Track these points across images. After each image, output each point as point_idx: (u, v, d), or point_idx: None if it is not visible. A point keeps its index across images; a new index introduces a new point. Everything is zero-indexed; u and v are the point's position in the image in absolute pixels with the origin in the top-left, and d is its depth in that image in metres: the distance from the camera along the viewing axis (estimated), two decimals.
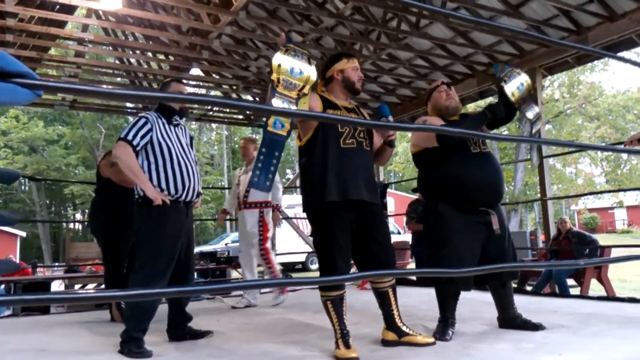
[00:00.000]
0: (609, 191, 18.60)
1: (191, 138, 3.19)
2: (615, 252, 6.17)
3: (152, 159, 2.89)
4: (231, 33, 6.07)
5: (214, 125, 31.13)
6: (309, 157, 2.65)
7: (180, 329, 3.07)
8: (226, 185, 30.27)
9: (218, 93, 8.47)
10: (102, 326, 3.64)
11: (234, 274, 8.80)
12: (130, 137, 2.82)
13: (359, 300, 4.69)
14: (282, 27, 6.48)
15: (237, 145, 34.45)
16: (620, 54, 5.36)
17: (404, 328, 2.68)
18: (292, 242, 12.94)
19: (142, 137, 2.85)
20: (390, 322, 2.71)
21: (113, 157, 2.96)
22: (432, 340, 2.65)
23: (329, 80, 2.78)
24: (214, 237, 25.25)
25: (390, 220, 10.29)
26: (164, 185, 2.87)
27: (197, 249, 16.41)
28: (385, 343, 2.69)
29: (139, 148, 2.84)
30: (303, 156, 2.72)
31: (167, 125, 2.97)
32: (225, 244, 18.53)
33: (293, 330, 3.33)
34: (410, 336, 2.65)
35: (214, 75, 8.28)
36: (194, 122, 25.15)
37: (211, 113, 8.94)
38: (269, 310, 4.36)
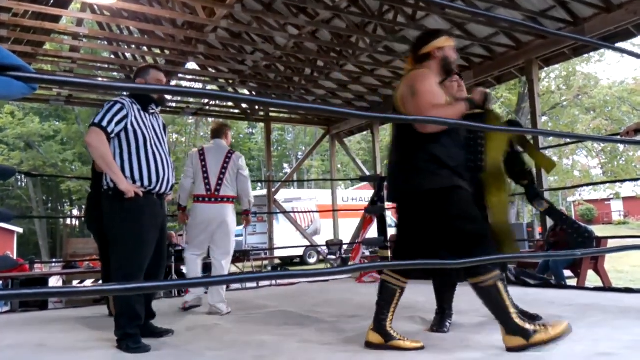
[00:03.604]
0: (606, 182, 18.64)
1: (164, 126, 3.03)
2: (611, 243, 6.19)
3: (125, 146, 2.73)
4: (227, 26, 6.05)
5: (210, 120, 31.02)
6: (433, 144, 2.43)
7: (142, 325, 2.89)
8: None
9: (214, 87, 8.43)
10: (100, 321, 3.64)
11: (232, 268, 8.80)
12: (104, 123, 2.65)
13: (358, 293, 4.70)
14: (277, 20, 6.46)
15: (233, 140, 34.41)
16: (616, 45, 5.36)
17: (392, 332, 2.53)
18: (290, 236, 12.99)
19: (117, 124, 2.69)
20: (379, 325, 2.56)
21: (85, 143, 2.77)
22: (420, 344, 2.47)
23: (424, 57, 2.56)
24: None
25: (388, 214, 10.31)
26: (137, 176, 2.73)
27: None
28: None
29: (112, 135, 2.69)
30: (424, 142, 2.44)
31: (142, 112, 2.82)
32: None
33: (292, 322, 3.34)
34: (397, 341, 2.50)
35: (210, 69, 8.25)
36: (190, 117, 25.07)
37: (208, 108, 8.91)
38: (267, 303, 4.37)
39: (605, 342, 2.32)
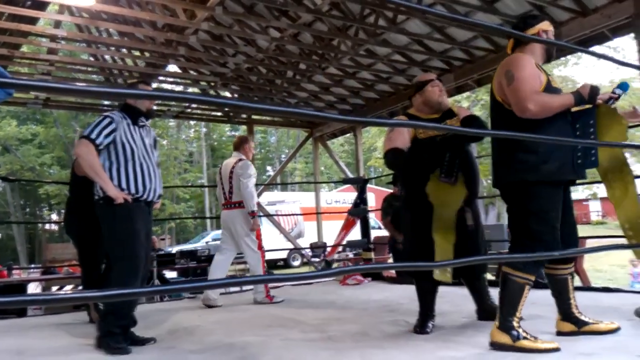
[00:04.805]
0: (583, 183, 18.96)
1: (155, 140, 3.21)
2: (590, 243, 6.30)
3: (114, 158, 2.90)
4: (208, 29, 6.01)
5: (192, 123, 30.80)
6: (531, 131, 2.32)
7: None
8: (205, 183, 30.07)
9: (196, 90, 8.37)
10: (80, 328, 3.58)
11: None
12: (93, 135, 2.83)
13: (341, 296, 4.71)
14: (259, 23, 6.44)
15: (216, 143, 34.18)
16: (592, 49, 5.46)
17: (582, 317, 2.52)
18: (273, 239, 12.95)
19: (106, 137, 2.87)
20: (567, 313, 2.53)
21: (75, 154, 2.99)
22: (616, 325, 2.47)
23: (525, 41, 2.52)
24: (194, 236, 25.03)
25: (371, 216, 10.34)
26: (124, 185, 2.88)
27: (177, 248, 16.24)
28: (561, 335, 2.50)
29: (101, 147, 2.86)
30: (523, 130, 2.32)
31: (132, 126, 2.99)
32: (206, 242, 18.40)
33: (276, 324, 3.34)
34: (591, 325, 2.49)
35: (191, 71, 8.19)
36: (172, 120, 24.84)
37: (189, 110, 8.85)
38: (250, 306, 4.35)
39: (585, 342, 2.36)
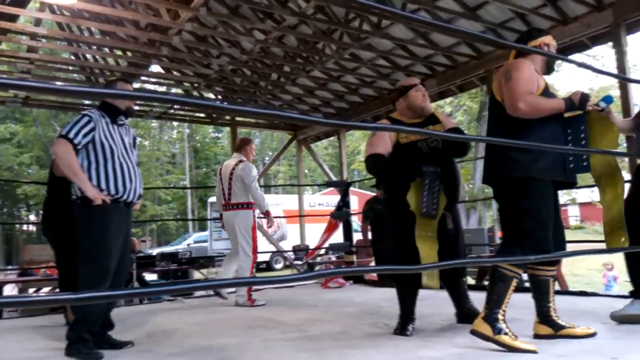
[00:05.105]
0: (562, 188, 19.26)
1: (134, 139, 3.14)
2: (568, 248, 6.41)
3: (92, 158, 2.82)
4: (192, 29, 5.98)
5: (175, 124, 30.56)
6: (523, 133, 2.42)
7: (99, 336, 2.89)
8: (188, 185, 29.83)
9: (179, 91, 8.31)
10: (57, 330, 3.52)
11: (196, 274, 8.67)
12: (71, 135, 2.75)
13: (323, 299, 4.71)
14: (244, 25, 6.43)
15: (199, 144, 33.94)
16: (572, 57, 5.57)
17: (559, 321, 2.55)
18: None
19: (84, 136, 2.78)
20: (545, 316, 2.57)
21: (53, 154, 2.89)
22: (592, 330, 2.51)
23: (527, 52, 2.58)
24: (175, 238, 24.80)
25: (354, 219, 10.35)
26: (103, 185, 2.80)
27: (157, 250, 16.07)
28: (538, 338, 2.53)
29: (79, 147, 2.78)
30: (515, 129, 2.45)
31: (110, 125, 2.91)
32: (188, 245, 18.25)
33: (257, 325, 3.33)
34: (568, 329, 2.51)
35: (174, 72, 8.13)
36: (154, 121, 24.60)
37: (172, 111, 8.78)
38: (231, 308, 4.33)
39: (561, 345, 2.39)
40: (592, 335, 2.49)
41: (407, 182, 2.85)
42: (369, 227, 6.49)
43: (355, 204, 15.68)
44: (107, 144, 2.84)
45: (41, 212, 3.97)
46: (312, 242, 10.14)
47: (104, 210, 2.76)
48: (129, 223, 3.04)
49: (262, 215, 4.71)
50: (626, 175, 2.88)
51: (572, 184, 2.65)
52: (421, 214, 2.76)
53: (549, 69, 2.68)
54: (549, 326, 2.54)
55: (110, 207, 2.79)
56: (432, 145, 2.97)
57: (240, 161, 4.66)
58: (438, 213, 2.78)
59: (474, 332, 2.41)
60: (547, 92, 2.50)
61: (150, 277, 8.35)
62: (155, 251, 14.59)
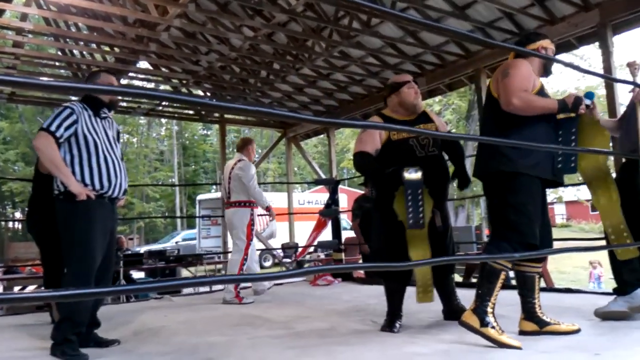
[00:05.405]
0: (549, 187, 19.45)
1: (118, 132, 3.04)
2: (554, 245, 6.49)
3: (75, 151, 2.72)
4: (180, 26, 5.94)
5: (163, 120, 30.33)
6: (514, 130, 2.50)
7: (86, 334, 2.84)
8: (176, 182, 29.65)
9: (167, 87, 8.25)
10: (42, 329, 3.48)
11: (184, 272, 8.64)
12: (53, 127, 2.65)
13: (311, 296, 4.72)
14: (233, 22, 6.40)
15: (187, 142, 33.75)
16: (559, 56, 5.62)
17: (544, 318, 2.58)
18: None
19: (66, 129, 2.68)
20: (530, 313, 2.60)
21: (34, 147, 2.76)
22: (576, 327, 2.55)
23: (525, 55, 2.64)
24: (163, 236, 24.65)
25: (343, 217, 10.37)
26: (88, 180, 2.71)
27: (145, 248, 15.97)
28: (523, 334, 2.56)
29: (62, 140, 2.67)
30: (506, 126, 2.52)
31: (93, 118, 2.81)
32: (176, 242, 18.15)
33: (244, 323, 3.33)
34: (552, 325, 2.55)
35: (162, 69, 8.07)
36: (142, 117, 24.41)
37: (160, 108, 8.72)
38: (219, 305, 4.32)
39: (546, 341, 2.42)
40: (576, 331, 2.53)
41: (390, 188, 2.86)
42: (357, 226, 6.50)
43: (344, 201, 15.71)
44: (90, 137, 2.74)
45: (27, 209, 3.91)
46: (301, 240, 10.14)
47: (88, 206, 2.66)
48: (114, 219, 2.96)
49: (264, 213, 4.84)
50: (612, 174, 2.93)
51: (559, 183, 2.69)
52: (409, 226, 2.78)
53: (546, 71, 2.74)
54: (534, 323, 2.58)
55: (95, 203, 2.70)
56: (423, 142, 2.98)
57: (240, 160, 4.77)
58: (425, 219, 2.78)
59: (462, 323, 2.46)
60: (542, 93, 2.56)
61: (137, 275, 8.30)
62: (142, 249, 14.52)
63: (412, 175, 2.75)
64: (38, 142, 2.66)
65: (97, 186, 2.73)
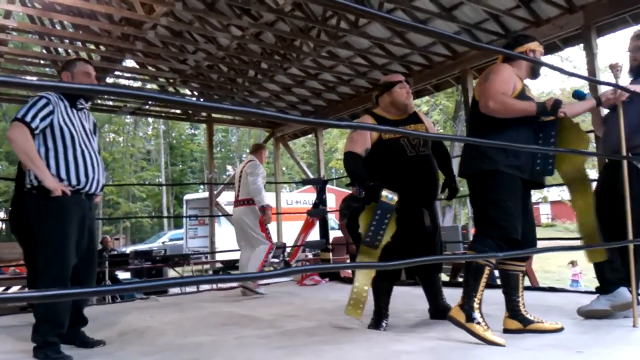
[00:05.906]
0: (533, 188, 19.69)
1: (95, 124, 2.90)
2: (539, 245, 6.56)
3: (50, 144, 2.57)
4: (167, 24, 5.91)
5: (150, 120, 30.11)
6: (494, 131, 2.54)
7: (72, 332, 2.76)
8: (163, 182, 29.44)
9: (154, 86, 8.20)
10: (26, 330, 3.41)
11: (171, 273, 8.58)
12: (28, 118, 2.49)
13: (298, 295, 4.72)
14: (220, 21, 6.38)
15: (175, 141, 33.51)
16: (544, 58, 5.68)
17: (528, 316, 2.60)
18: (232, 239, 12.79)
19: (42, 120, 2.53)
20: (514, 311, 2.62)
21: (8, 138, 2.58)
22: (559, 325, 2.56)
23: (514, 58, 2.65)
24: (150, 236, 24.45)
25: (331, 217, 10.37)
26: (63, 175, 2.57)
27: (131, 248, 15.84)
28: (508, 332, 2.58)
29: (37, 131, 2.52)
30: (487, 128, 2.58)
31: (69, 109, 2.67)
32: (163, 242, 18.02)
33: (231, 322, 3.32)
34: (536, 324, 2.57)
35: (149, 67, 8.02)
36: (128, 116, 24.21)
37: (147, 107, 8.66)
38: (206, 305, 4.30)
39: (529, 339, 2.45)
40: (560, 330, 2.56)
41: (367, 199, 2.86)
42: (345, 226, 6.52)
43: (332, 201, 15.72)
44: (66, 129, 2.60)
45: (10, 209, 3.85)
46: (289, 239, 10.13)
47: (63, 202, 2.52)
48: (92, 217, 2.82)
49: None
50: (594, 174, 2.99)
51: (540, 185, 2.75)
52: (363, 243, 2.79)
53: (534, 74, 2.79)
54: (518, 321, 2.61)
55: (70, 199, 2.55)
56: (414, 142, 3.00)
57: (251, 160, 5.04)
58: (380, 245, 2.77)
59: (449, 318, 2.52)
60: (523, 96, 2.60)
61: (123, 275, 8.23)
62: (129, 249, 14.40)
63: (389, 198, 2.73)
64: (12, 133, 2.51)
65: (74, 181, 2.60)
